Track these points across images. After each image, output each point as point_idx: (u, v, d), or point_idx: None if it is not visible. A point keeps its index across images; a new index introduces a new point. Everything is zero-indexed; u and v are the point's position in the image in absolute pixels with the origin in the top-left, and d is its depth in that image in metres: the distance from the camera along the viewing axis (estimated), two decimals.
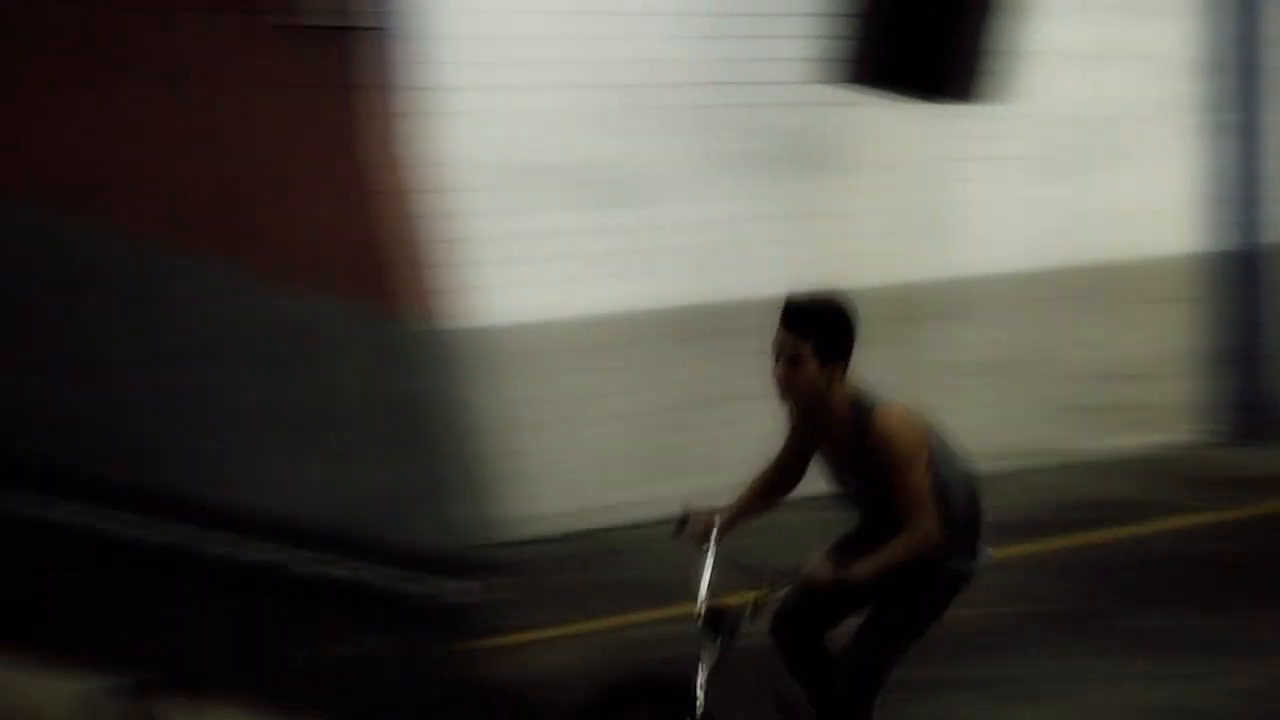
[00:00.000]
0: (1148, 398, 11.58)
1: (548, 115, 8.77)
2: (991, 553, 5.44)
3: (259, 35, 7.29)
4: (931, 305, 10.52)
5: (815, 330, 5.18)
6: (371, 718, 6.15)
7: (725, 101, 9.34)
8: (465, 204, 7.98)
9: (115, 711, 5.41)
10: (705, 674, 5.15)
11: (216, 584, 6.60)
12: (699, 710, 5.12)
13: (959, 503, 5.30)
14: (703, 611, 5.21)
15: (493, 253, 8.19)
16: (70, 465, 6.68)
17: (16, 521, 6.45)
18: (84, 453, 6.78)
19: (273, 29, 7.31)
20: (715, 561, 5.29)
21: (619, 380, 9.41)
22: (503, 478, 7.75)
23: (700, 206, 9.42)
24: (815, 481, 5.68)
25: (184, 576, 6.54)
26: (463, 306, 7.92)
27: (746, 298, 9.46)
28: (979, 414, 9.97)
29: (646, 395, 9.43)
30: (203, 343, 7.08)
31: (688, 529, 5.41)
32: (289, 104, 7.37)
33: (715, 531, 5.36)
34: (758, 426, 9.49)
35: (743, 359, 9.46)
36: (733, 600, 5.18)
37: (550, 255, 8.97)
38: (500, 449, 7.82)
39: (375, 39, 7.56)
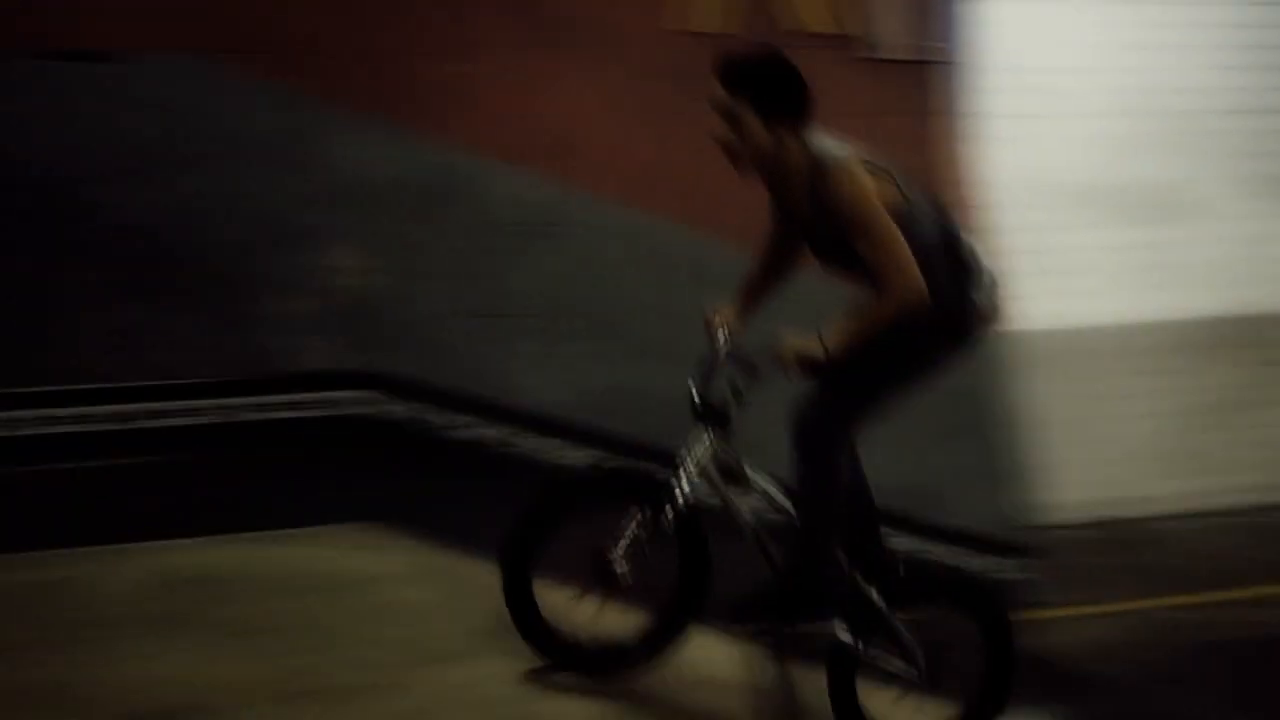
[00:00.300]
0: None
1: (1084, 140, 9.19)
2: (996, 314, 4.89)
3: (848, 68, 8.11)
4: None
5: (750, 84, 4.68)
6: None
7: (1255, 128, 9.54)
8: (1010, 220, 8.58)
9: (767, 670, 5.27)
10: (692, 464, 4.86)
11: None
12: (680, 500, 4.82)
13: (946, 263, 4.76)
14: (696, 402, 4.94)
15: (1033, 264, 8.65)
16: (655, 441, 7.62)
17: None
18: (666, 431, 7.70)
19: (860, 63, 8.15)
20: (722, 354, 4.96)
21: (1148, 383, 9.69)
22: (1039, 467, 8.18)
23: (1228, 225, 9.60)
24: None
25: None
26: (1009, 313, 8.53)
27: (1274, 311, 9.71)
28: None
29: (1174, 398, 9.64)
30: None
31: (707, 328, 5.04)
32: (871, 128, 8.12)
33: (723, 325, 5.02)
34: None
35: (1268, 368, 9.72)
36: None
37: (1084, 267, 9.37)
38: (1037, 442, 8.24)
39: (943, 71, 8.30)
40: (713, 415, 4.93)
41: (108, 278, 7.03)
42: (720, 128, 4.69)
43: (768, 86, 4.68)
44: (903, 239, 4.59)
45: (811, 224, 4.77)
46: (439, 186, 7.52)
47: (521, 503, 4.89)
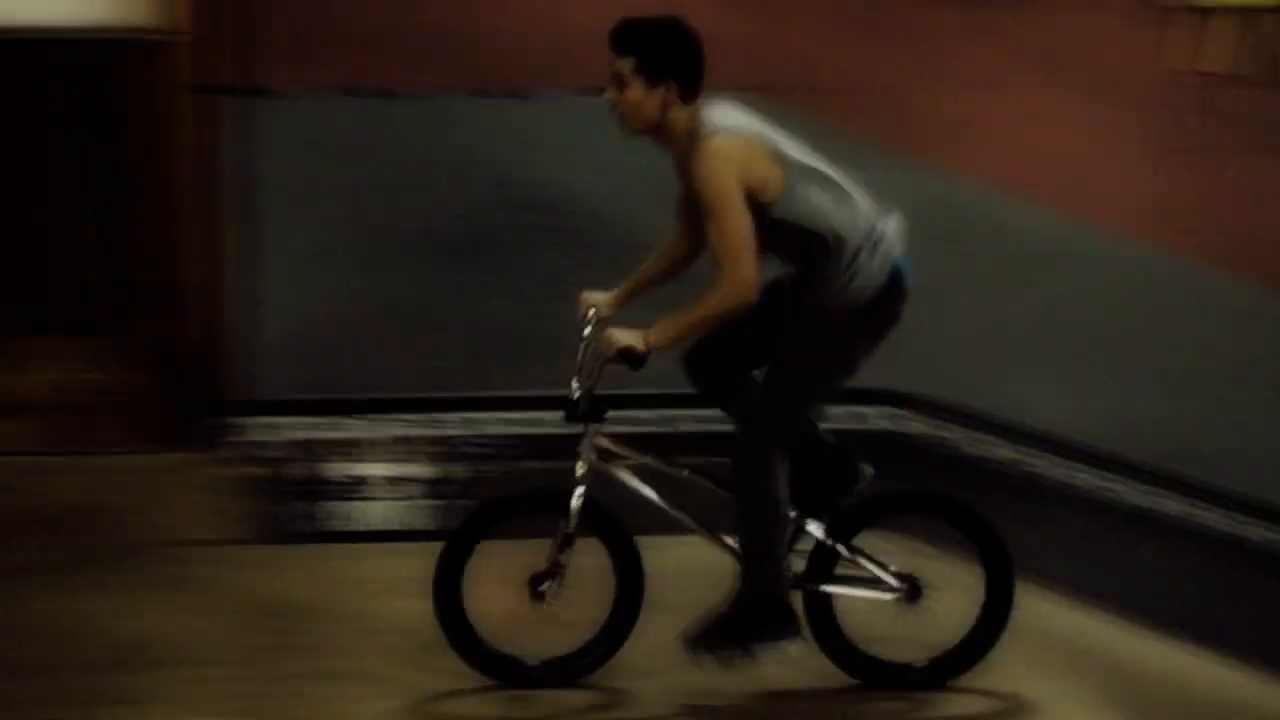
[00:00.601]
0: None
1: None
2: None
3: None
4: None
5: (637, 46, 4.56)
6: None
7: None
8: None
9: None
10: (579, 465, 4.89)
11: None
12: (573, 505, 4.86)
13: (831, 244, 4.63)
14: (572, 397, 4.84)
15: None
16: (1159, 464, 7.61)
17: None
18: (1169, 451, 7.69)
19: None
20: (587, 344, 4.89)
21: None
22: None
23: None
24: None
25: None
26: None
27: None
28: None
29: None
30: None
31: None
32: None
33: (592, 313, 4.98)
34: None
35: None
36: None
37: None
38: None
39: None
40: (579, 411, 4.89)
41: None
42: (610, 90, 4.62)
43: (655, 50, 4.58)
44: (746, 230, 4.50)
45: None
46: (954, 216, 7.91)
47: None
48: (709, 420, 5.48)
